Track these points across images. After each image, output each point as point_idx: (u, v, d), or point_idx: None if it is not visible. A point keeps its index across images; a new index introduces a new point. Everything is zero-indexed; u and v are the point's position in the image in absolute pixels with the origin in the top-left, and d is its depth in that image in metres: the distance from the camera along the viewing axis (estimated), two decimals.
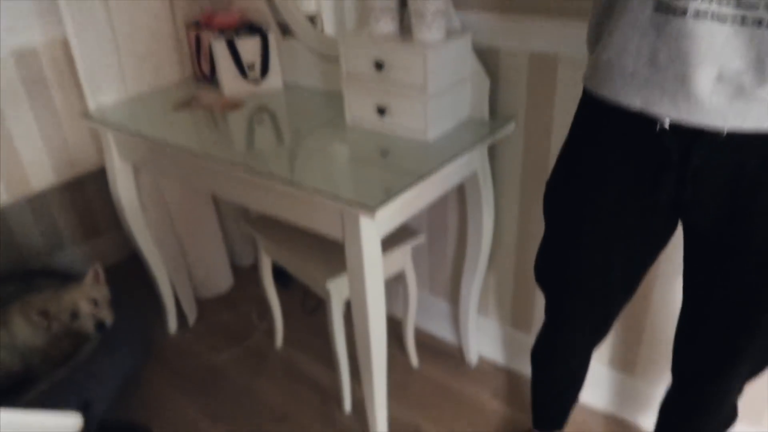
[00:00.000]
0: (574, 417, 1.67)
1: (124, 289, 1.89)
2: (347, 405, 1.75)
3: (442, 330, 1.99)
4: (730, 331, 0.93)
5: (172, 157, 1.50)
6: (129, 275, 2.18)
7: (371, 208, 1.09)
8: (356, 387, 1.80)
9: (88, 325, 1.63)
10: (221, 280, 2.30)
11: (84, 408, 1.20)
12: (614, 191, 0.93)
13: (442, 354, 1.94)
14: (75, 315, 1.62)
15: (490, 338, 1.87)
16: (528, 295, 1.70)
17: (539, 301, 1.69)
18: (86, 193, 2.33)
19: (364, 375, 1.45)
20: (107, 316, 1.66)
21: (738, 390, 1.04)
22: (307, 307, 2.20)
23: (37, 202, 2.16)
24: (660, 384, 1.55)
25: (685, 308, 1.03)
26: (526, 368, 1.83)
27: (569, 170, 0.99)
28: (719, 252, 0.89)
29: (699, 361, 1.01)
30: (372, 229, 1.17)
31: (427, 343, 1.98)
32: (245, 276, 2.39)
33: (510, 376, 1.84)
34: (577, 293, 1.08)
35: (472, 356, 1.88)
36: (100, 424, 1.07)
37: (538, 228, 1.57)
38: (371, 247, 1.19)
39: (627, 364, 1.59)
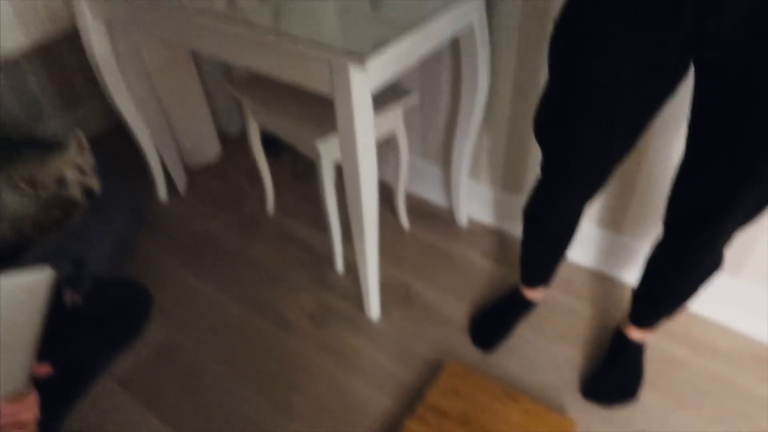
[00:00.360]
0: (560, 273, 1.73)
1: (110, 159, 1.85)
2: (339, 266, 1.79)
3: (433, 194, 2.00)
4: (731, 175, 0.92)
5: (146, 9, 1.40)
6: (115, 146, 2.14)
7: (361, 57, 1.03)
8: (348, 249, 1.83)
9: (76, 192, 1.61)
10: (209, 149, 2.26)
11: (77, 266, 1.21)
12: (629, 26, 0.87)
13: (433, 217, 1.96)
14: (62, 182, 1.60)
15: (480, 201, 1.88)
16: (520, 157, 1.69)
17: (531, 163, 1.68)
18: (62, 59, 2.22)
19: (356, 236, 1.46)
20: (95, 184, 1.64)
21: (727, 239, 1.05)
22: (297, 175, 2.19)
23: (11, 69, 2.06)
24: (646, 240, 1.59)
25: (687, 156, 1.01)
26: (515, 229, 1.86)
27: (582, 3, 0.92)
28: (733, 89, 0.85)
29: (695, 207, 1.01)
30: (362, 81, 1.12)
31: (418, 207, 2.00)
32: (233, 145, 2.35)
33: (499, 236, 1.87)
34: (578, 145, 1.05)
35: (463, 219, 1.90)
36: (95, 281, 1.08)
37: (534, 87, 1.52)
38: (362, 101, 1.15)
39: (615, 222, 1.62)
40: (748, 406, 1.39)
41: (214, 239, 1.94)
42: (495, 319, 1.55)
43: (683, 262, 1.12)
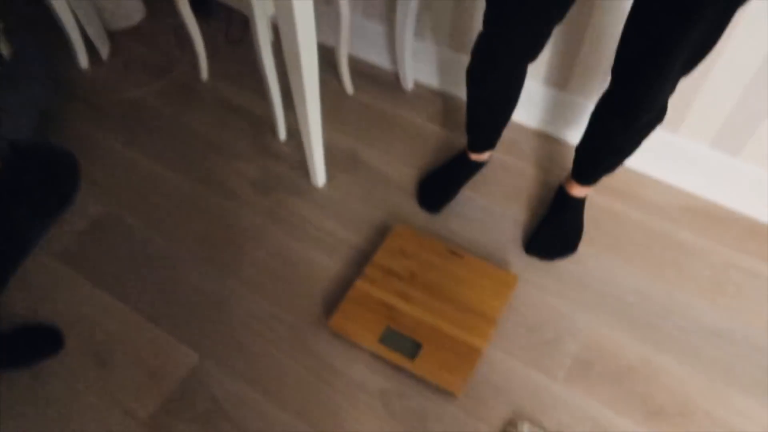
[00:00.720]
0: (505, 134, 1.72)
1: (21, 22, 1.66)
2: (282, 133, 1.72)
3: (377, 56, 1.91)
4: (680, 13, 0.90)
5: None
6: (25, 8, 1.92)
7: None
8: (290, 115, 1.76)
9: None
10: (132, 10, 2.06)
11: None
12: None
13: (378, 80, 1.89)
14: None
15: (426, 62, 1.81)
16: (468, 11, 1.61)
17: (478, 18, 1.60)
18: None
19: (297, 101, 1.39)
20: (3, 47, 1.48)
21: (672, 85, 1.04)
22: (232, 37, 2.04)
23: None
24: (592, 99, 1.58)
25: (634, 7, 0.98)
26: (461, 92, 1.82)
27: None
28: None
29: (643, 49, 0.99)
30: None
31: (361, 70, 1.91)
32: (158, 5, 2.15)
33: (445, 99, 1.83)
34: None
35: (408, 82, 1.84)
36: (13, 148, 0.99)
37: None
38: None
39: (561, 80, 1.59)
40: (679, 255, 1.47)
41: (144, 108, 1.82)
42: (441, 182, 1.55)
43: (628, 112, 1.11)
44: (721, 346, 1.32)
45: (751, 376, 1.28)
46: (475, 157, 1.55)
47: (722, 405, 1.24)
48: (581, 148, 1.34)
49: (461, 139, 1.71)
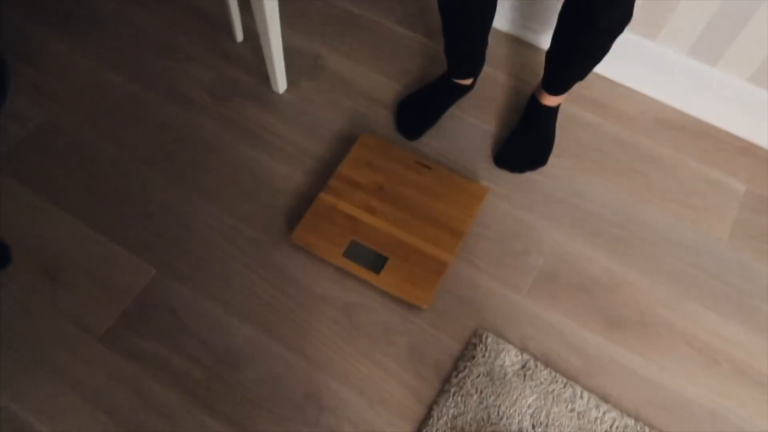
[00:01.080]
0: None
1: None
2: (238, 34, 1.59)
3: None
4: None
5: None
6: None
7: None
8: (247, 14, 1.63)
9: None
10: None
11: None
12: None
13: None
14: None
15: None
16: None
17: None
18: None
19: (254, 1, 1.27)
20: None
21: None
22: None
23: None
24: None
25: None
26: None
27: None
28: None
29: None
30: None
31: None
32: None
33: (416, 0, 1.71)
34: None
35: None
36: None
37: None
38: None
39: None
40: (649, 167, 1.45)
41: (86, 2, 1.65)
42: (423, 107, 1.45)
43: (589, 8, 1.05)
44: (683, 257, 1.33)
45: (711, 287, 1.30)
46: (458, 81, 1.45)
47: (682, 316, 1.26)
48: (550, 54, 1.27)
49: (432, 45, 1.62)
